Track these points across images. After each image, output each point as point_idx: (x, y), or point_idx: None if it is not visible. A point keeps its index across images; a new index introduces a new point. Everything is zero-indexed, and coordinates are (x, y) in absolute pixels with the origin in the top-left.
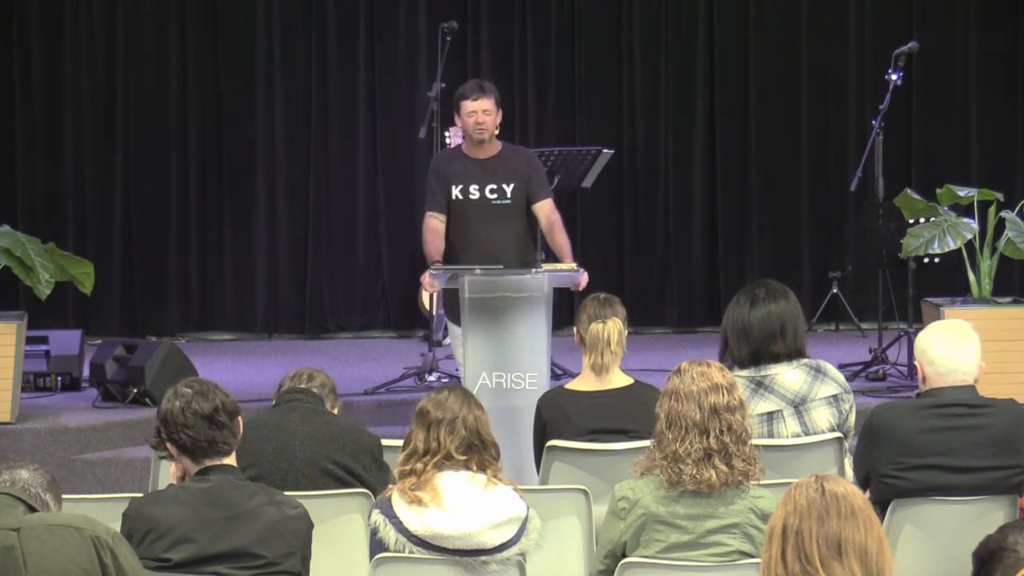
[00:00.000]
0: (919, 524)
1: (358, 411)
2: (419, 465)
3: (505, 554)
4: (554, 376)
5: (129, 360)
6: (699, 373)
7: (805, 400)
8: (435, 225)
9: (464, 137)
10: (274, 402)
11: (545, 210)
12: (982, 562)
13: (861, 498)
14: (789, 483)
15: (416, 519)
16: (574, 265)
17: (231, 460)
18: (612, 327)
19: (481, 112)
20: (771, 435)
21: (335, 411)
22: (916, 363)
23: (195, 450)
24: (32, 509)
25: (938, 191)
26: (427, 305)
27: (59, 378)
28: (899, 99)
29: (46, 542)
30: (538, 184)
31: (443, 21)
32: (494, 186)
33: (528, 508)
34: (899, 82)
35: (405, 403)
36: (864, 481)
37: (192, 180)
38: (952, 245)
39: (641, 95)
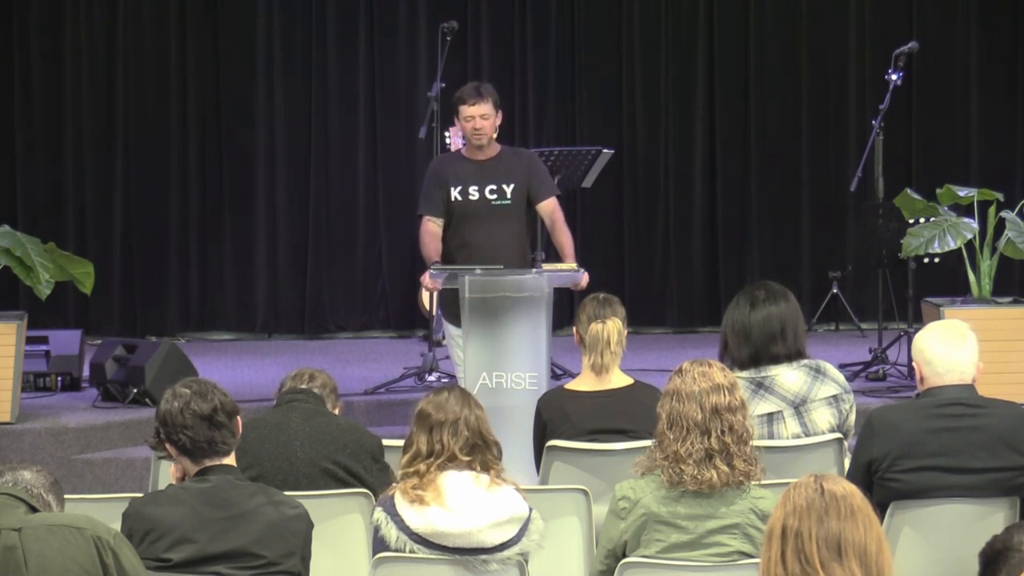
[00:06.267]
0: (918, 525)
1: (358, 411)
2: (422, 466)
3: (506, 553)
4: (554, 376)
5: (129, 360)
6: (700, 373)
7: (805, 401)
8: (432, 228)
9: (464, 139)
10: (275, 402)
11: (548, 209)
12: (988, 562)
13: (860, 498)
14: (789, 484)
15: (418, 517)
16: (574, 265)
17: (230, 460)
18: (612, 327)
19: (479, 117)
20: (771, 436)
21: (336, 411)
22: (914, 364)
23: (194, 451)
24: (34, 509)
25: (938, 191)
26: (427, 305)
27: (59, 378)
28: (899, 99)
29: (47, 542)
30: (540, 183)
31: (443, 21)
32: (494, 186)
33: (531, 509)
34: (899, 82)
35: (405, 403)
36: (860, 482)
37: (192, 180)
38: (952, 245)
39: (641, 95)
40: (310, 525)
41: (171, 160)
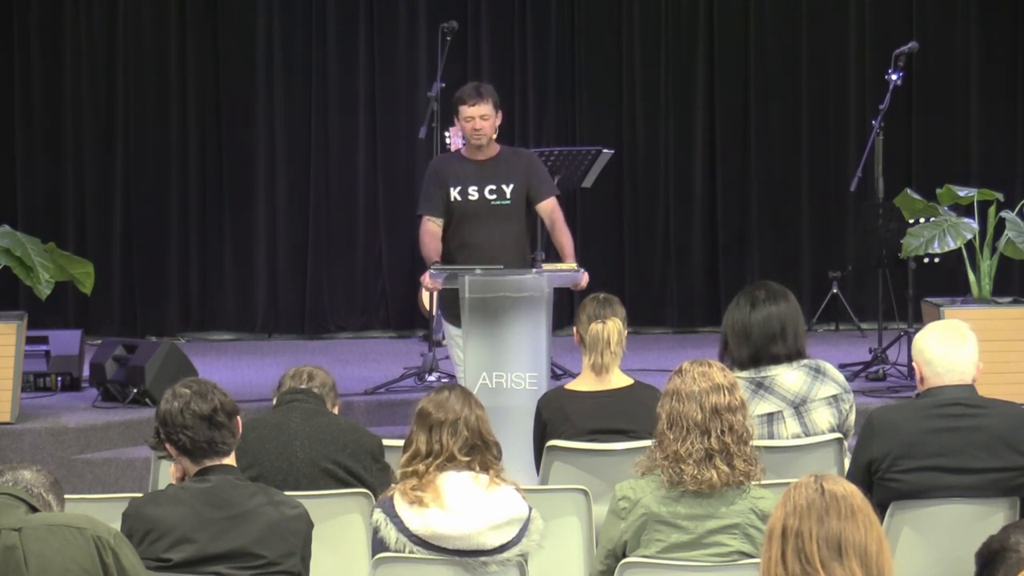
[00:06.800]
0: (918, 525)
1: (358, 411)
2: (421, 467)
3: (506, 555)
4: (554, 376)
5: (129, 360)
6: (700, 373)
7: (805, 401)
8: (432, 228)
9: (464, 139)
10: (274, 401)
11: (547, 209)
12: (985, 562)
13: (860, 498)
14: (789, 484)
15: (417, 519)
16: (574, 265)
17: (230, 460)
18: (612, 327)
19: (479, 118)
20: (771, 436)
21: (335, 409)
22: (914, 364)
23: (194, 451)
24: (34, 509)
25: (938, 191)
26: (427, 305)
27: (59, 378)
28: (899, 99)
29: (47, 542)
30: (540, 183)
31: (443, 21)
32: (493, 187)
33: (531, 509)
34: (899, 82)
35: (405, 403)
36: (860, 483)
37: (192, 180)
38: (952, 245)
39: (641, 95)
40: (310, 525)
41: (171, 160)
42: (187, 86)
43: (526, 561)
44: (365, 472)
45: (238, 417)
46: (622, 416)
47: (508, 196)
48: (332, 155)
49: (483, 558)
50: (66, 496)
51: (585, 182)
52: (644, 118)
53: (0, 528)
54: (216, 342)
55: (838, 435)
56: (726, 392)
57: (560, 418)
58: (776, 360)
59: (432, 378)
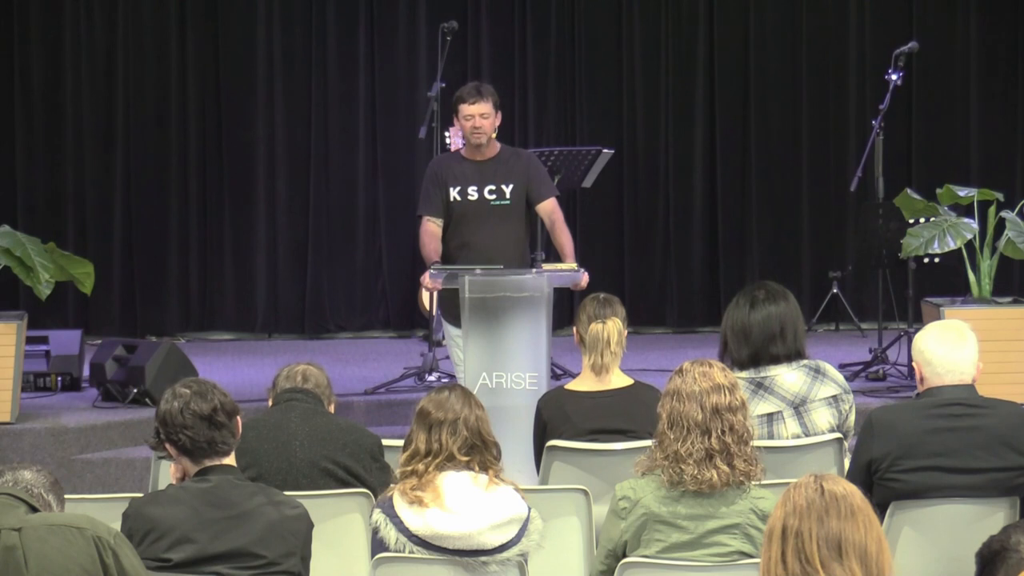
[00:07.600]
0: (918, 525)
1: (358, 411)
2: (420, 466)
3: (506, 555)
4: (554, 376)
5: (129, 360)
6: (701, 373)
7: (805, 401)
8: (432, 228)
9: (463, 139)
10: (270, 399)
11: (547, 209)
12: (985, 562)
13: (860, 497)
14: (789, 484)
15: (417, 519)
16: (574, 265)
17: (230, 460)
18: (612, 327)
19: (479, 116)
20: (771, 436)
21: (331, 408)
22: (914, 364)
23: (194, 451)
24: (34, 509)
25: (938, 191)
26: (427, 305)
27: (59, 378)
28: (899, 99)
29: (48, 542)
30: (539, 184)
31: (443, 21)
32: (493, 187)
33: (530, 509)
34: (899, 82)
35: (405, 403)
36: (860, 483)
37: (192, 180)
38: (952, 245)
39: (641, 95)
40: (310, 525)
41: (171, 160)
42: (187, 86)
43: (526, 561)
44: (364, 472)
45: (238, 417)
46: (622, 416)
47: (508, 196)
48: (332, 155)
49: (483, 558)
50: (66, 496)
51: (585, 182)
52: (644, 118)
53: (0, 528)
54: (216, 342)
55: (838, 435)
56: (727, 392)
57: (560, 418)
58: (776, 360)
59: (432, 378)
